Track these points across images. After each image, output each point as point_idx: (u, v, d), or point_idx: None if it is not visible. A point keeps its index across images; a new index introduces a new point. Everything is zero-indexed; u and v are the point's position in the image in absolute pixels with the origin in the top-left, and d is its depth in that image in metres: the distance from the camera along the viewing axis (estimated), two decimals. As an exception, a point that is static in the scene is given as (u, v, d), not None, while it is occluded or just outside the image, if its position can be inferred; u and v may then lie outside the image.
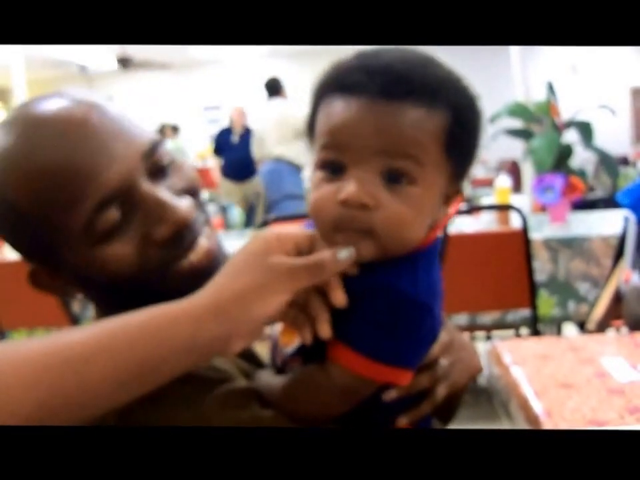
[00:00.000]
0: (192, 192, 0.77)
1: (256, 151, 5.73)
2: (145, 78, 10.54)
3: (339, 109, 0.66)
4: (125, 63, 9.62)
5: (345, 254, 0.64)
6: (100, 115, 0.73)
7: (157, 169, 0.75)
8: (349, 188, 0.64)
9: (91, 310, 0.78)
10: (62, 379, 0.56)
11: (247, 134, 6.63)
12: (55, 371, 0.56)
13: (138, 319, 0.61)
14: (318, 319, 0.65)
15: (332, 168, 0.66)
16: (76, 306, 2.60)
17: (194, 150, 8.63)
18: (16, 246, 0.76)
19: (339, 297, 0.65)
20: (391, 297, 0.65)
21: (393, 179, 0.65)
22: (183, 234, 0.74)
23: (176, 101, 10.38)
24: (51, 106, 0.73)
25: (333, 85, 0.67)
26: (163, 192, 0.73)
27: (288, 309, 0.64)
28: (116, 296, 0.75)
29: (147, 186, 0.73)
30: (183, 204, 0.74)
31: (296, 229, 0.67)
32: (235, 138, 6.64)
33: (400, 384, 0.69)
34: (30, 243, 0.74)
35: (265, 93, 5.62)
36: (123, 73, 10.18)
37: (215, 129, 7.15)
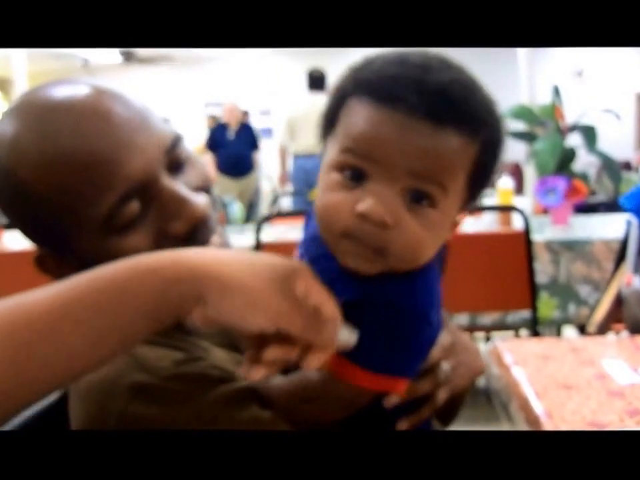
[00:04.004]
0: (206, 189, 0.77)
1: (284, 139, 5.67)
2: (148, 72, 10.53)
3: (374, 116, 0.61)
4: (127, 56, 9.62)
5: (345, 337, 0.61)
6: (124, 106, 0.72)
7: (175, 164, 0.75)
8: (369, 202, 0.61)
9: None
10: (28, 348, 0.54)
11: (243, 130, 6.63)
12: (19, 338, 0.53)
13: (104, 275, 0.56)
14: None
15: (351, 174, 0.63)
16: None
17: (193, 145, 8.66)
18: (25, 230, 0.76)
19: (312, 364, 0.60)
20: (388, 308, 0.64)
21: (414, 198, 0.62)
22: (198, 231, 0.74)
23: (177, 96, 10.37)
24: (74, 93, 0.72)
25: (369, 88, 0.63)
26: (181, 187, 0.73)
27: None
28: None
29: (167, 181, 0.73)
30: (200, 200, 0.74)
31: (325, 287, 0.62)
32: (231, 134, 6.63)
33: (396, 392, 0.68)
34: (43, 229, 0.73)
35: (306, 82, 5.49)
36: (125, 66, 10.18)
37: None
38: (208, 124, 8.17)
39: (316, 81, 5.47)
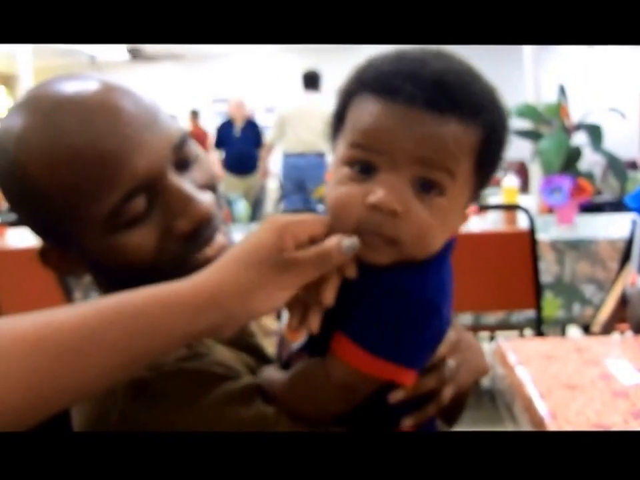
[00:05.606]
0: (212, 187, 0.77)
1: (273, 135, 5.68)
2: (155, 69, 10.54)
3: (377, 110, 0.64)
4: (135, 53, 9.63)
5: (348, 243, 0.63)
6: (133, 103, 0.72)
7: (182, 162, 0.75)
8: (380, 192, 0.63)
9: (94, 297, 0.77)
10: (54, 365, 0.55)
11: (248, 127, 6.62)
12: (47, 357, 0.55)
13: (134, 304, 0.59)
14: (310, 312, 0.65)
15: (361, 167, 0.65)
16: (78, 293, 2.60)
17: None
18: (30, 223, 0.76)
19: (328, 297, 0.64)
20: (399, 295, 0.65)
21: (424, 188, 0.64)
22: (203, 229, 0.74)
23: (184, 93, 10.38)
24: (82, 88, 0.72)
25: (371, 85, 0.66)
26: (187, 185, 0.73)
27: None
28: (125, 283, 0.74)
29: (174, 178, 0.73)
30: (206, 199, 0.74)
31: (311, 217, 0.66)
32: (237, 131, 6.62)
33: (402, 383, 0.67)
34: (47, 223, 0.73)
35: (302, 83, 5.52)
36: (132, 63, 10.18)
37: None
38: (190, 119, 8.13)
39: (311, 80, 5.49)
